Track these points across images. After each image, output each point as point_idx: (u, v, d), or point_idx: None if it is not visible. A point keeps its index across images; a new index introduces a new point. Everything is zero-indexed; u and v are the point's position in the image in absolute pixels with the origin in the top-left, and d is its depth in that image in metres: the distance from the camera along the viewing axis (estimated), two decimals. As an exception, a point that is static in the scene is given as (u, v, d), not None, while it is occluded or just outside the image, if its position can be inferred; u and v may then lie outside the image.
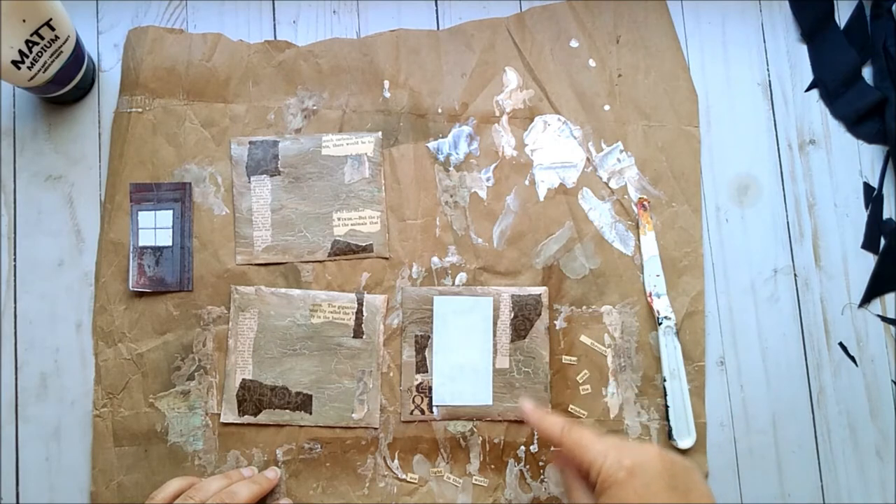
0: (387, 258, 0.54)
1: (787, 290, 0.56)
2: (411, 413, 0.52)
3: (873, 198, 0.57)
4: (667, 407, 0.53)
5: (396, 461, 0.52)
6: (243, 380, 0.53)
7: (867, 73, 0.58)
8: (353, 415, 0.52)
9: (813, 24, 0.58)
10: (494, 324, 0.54)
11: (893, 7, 0.57)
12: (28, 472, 0.52)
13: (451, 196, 0.55)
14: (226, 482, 0.49)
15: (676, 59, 0.57)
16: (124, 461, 0.51)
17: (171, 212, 0.54)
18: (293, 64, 0.56)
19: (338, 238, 0.54)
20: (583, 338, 0.54)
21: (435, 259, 0.54)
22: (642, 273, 0.55)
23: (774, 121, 0.58)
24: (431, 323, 0.53)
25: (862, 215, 0.57)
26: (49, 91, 0.53)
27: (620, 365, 0.54)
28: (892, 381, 0.55)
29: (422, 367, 0.53)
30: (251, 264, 0.54)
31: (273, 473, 0.51)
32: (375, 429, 0.52)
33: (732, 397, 0.54)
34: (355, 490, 0.52)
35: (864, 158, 0.57)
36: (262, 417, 0.52)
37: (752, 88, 0.58)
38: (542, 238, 0.55)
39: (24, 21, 0.47)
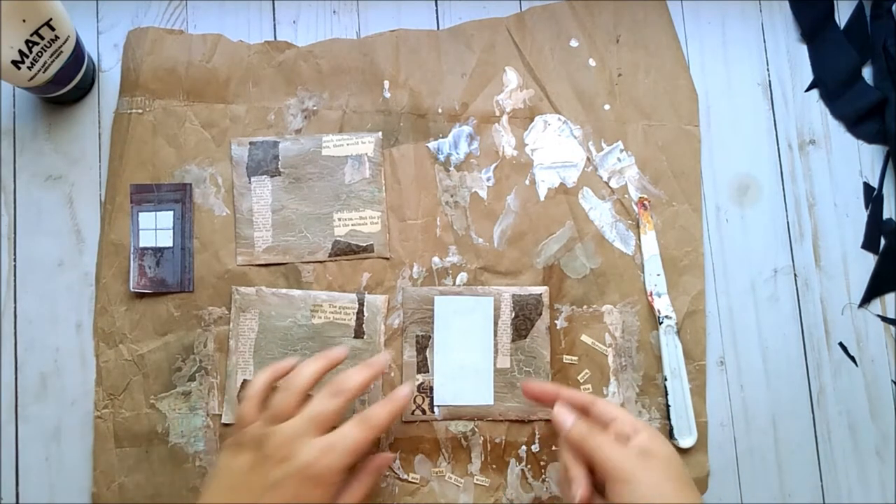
0: (387, 258, 0.54)
1: (787, 290, 0.56)
2: (412, 413, 0.52)
3: (873, 198, 0.57)
4: (668, 406, 0.53)
5: (398, 461, 0.52)
6: (244, 380, 0.52)
7: (867, 73, 0.58)
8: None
9: (813, 24, 0.58)
10: (495, 323, 0.54)
11: (893, 7, 0.57)
12: (28, 472, 0.52)
13: (452, 196, 0.55)
14: (324, 364, 0.46)
15: (676, 59, 0.57)
16: (125, 462, 0.51)
17: (171, 213, 0.54)
18: (293, 64, 0.56)
19: (338, 238, 0.54)
20: (584, 337, 0.54)
21: (436, 259, 0.54)
22: (643, 272, 0.55)
23: (774, 121, 0.58)
24: (432, 323, 0.53)
25: (862, 215, 0.57)
26: (49, 91, 0.52)
27: (621, 364, 0.54)
28: (892, 381, 0.55)
29: (423, 367, 0.53)
30: (252, 265, 0.54)
31: (385, 357, 0.48)
32: (376, 429, 0.52)
33: (732, 397, 0.54)
34: (356, 490, 0.52)
35: (864, 158, 0.57)
36: (263, 418, 0.52)
37: (752, 88, 0.58)
38: (543, 238, 0.55)
39: (24, 21, 0.47)
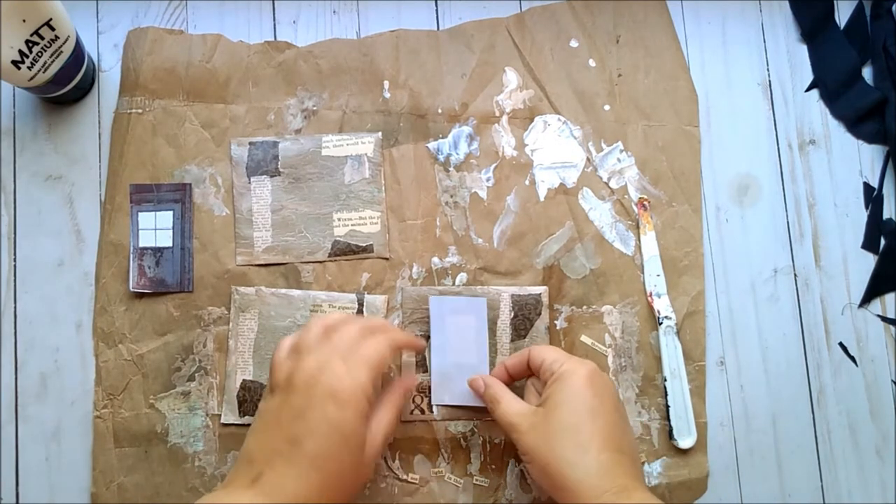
0: (387, 258, 0.54)
1: (787, 290, 0.56)
2: (412, 413, 0.52)
3: (873, 198, 0.57)
4: (667, 406, 0.53)
5: (397, 461, 0.52)
6: (244, 380, 0.52)
7: (867, 73, 0.58)
8: (354, 415, 0.52)
9: (813, 24, 0.58)
10: (494, 324, 0.53)
11: (893, 7, 0.57)
12: (28, 472, 0.52)
13: (452, 196, 0.55)
14: (345, 315, 0.47)
15: (676, 59, 0.57)
16: (125, 462, 0.51)
17: (171, 213, 0.54)
18: (293, 64, 0.56)
19: (338, 238, 0.54)
20: (583, 338, 0.54)
21: (435, 259, 0.54)
22: (643, 273, 0.55)
23: (774, 121, 0.58)
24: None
25: (862, 215, 0.57)
26: (49, 91, 0.53)
27: (621, 365, 0.54)
28: (892, 381, 0.55)
29: (422, 366, 0.53)
30: (251, 265, 0.54)
31: (421, 343, 0.51)
32: (376, 429, 0.52)
33: (732, 397, 0.54)
34: (356, 490, 0.52)
35: (864, 158, 0.57)
36: (263, 418, 0.52)
37: (752, 88, 0.58)
38: (543, 238, 0.55)
39: (24, 21, 0.47)
